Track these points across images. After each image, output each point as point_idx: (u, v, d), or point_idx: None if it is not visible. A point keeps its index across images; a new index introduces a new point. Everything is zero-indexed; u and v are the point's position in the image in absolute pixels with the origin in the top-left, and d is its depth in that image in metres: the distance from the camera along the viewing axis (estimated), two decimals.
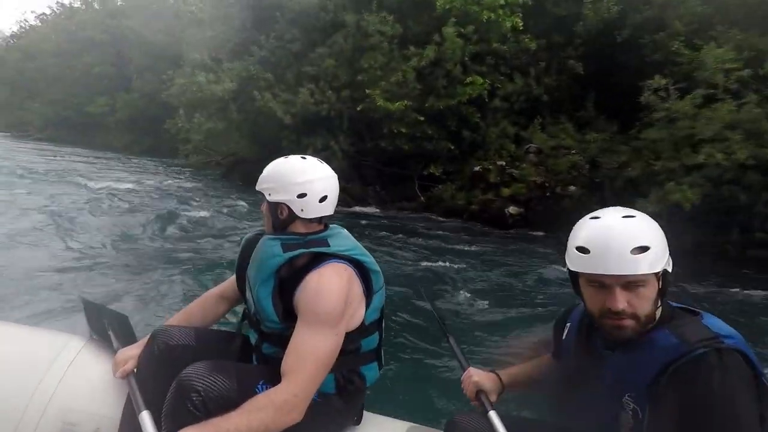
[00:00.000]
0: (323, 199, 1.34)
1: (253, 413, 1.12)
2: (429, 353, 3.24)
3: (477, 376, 1.36)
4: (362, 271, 1.33)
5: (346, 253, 1.31)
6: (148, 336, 1.43)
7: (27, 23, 55.52)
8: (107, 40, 36.31)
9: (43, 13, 55.08)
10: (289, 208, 1.33)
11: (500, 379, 1.37)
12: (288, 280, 1.29)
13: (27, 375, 1.38)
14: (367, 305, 1.34)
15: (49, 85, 43.03)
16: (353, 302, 1.29)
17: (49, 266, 4.39)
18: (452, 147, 12.01)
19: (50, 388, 1.37)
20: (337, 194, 1.39)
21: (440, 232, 9.66)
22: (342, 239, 1.37)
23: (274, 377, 1.21)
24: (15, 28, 53.30)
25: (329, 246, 1.31)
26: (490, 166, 11.26)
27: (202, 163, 18.83)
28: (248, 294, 1.39)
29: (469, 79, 11.37)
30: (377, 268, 1.37)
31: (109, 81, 35.89)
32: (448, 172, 12.04)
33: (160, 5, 31.91)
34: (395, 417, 1.49)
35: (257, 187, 1.38)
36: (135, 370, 1.37)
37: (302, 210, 1.32)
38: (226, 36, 15.44)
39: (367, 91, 11.65)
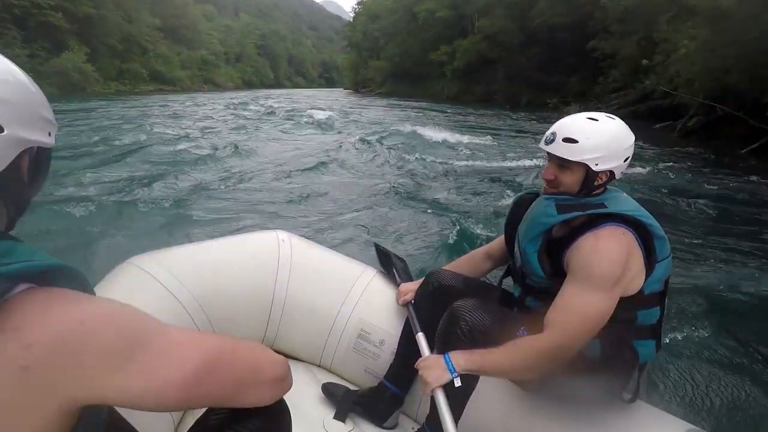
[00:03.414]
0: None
1: (516, 353, 1.17)
2: (732, 351, 2.65)
3: None
4: (645, 236, 1.21)
5: (625, 213, 1.21)
6: (424, 276, 1.60)
7: None
8: None
9: None
10: (612, 173, 1.27)
11: None
12: (559, 241, 1.26)
13: (340, 289, 1.74)
14: (648, 274, 1.22)
15: (388, 41, 45.97)
16: (631, 269, 1.19)
17: (356, 206, 5.41)
18: None
19: (352, 303, 1.71)
20: None
21: None
22: (621, 201, 1.27)
23: (534, 326, 1.22)
24: None
25: (606, 208, 1.23)
26: None
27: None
28: (516, 249, 1.40)
29: None
30: (663, 234, 1.24)
31: (449, 27, 34.08)
32: None
33: None
34: (670, 413, 1.34)
35: (572, 158, 1.23)
36: (413, 301, 1.57)
37: (623, 173, 1.30)
38: None
39: None
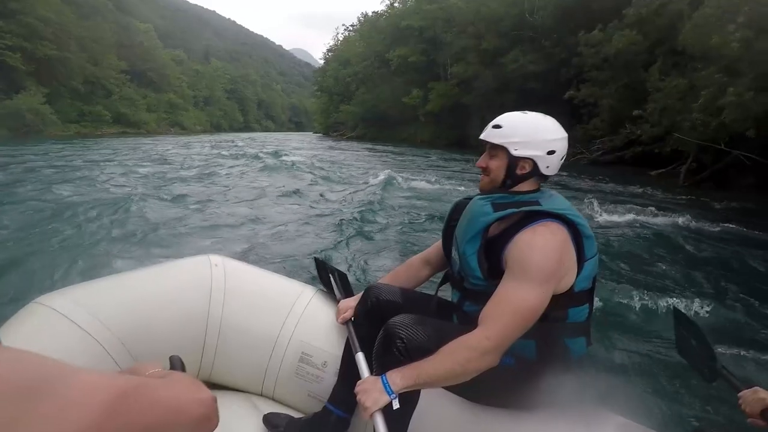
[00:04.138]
0: (562, 158, 1.32)
1: (448, 356, 1.17)
2: (658, 343, 2.81)
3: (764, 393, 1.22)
4: (575, 234, 1.25)
5: (559, 211, 1.24)
6: (362, 293, 1.58)
7: (340, 35, 62.68)
8: (425, 26, 34.92)
9: (352, 24, 61.02)
10: (534, 164, 1.29)
11: None
12: (496, 239, 1.28)
13: (279, 311, 1.65)
14: (579, 272, 1.25)
15: (359, 85, 46.55)
16: (564, 264, 1.22)
17: (296, 231, 5.46)
18: None
19: (292, 325, 1.63)
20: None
21: None
22: (554, 200, 1.31)
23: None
24: (331, 43, 60.45)
25: (540, 205, 1.26)
26: None
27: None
28: (454, 253, 1.43)
29: None
30: (591, 233, 1.28)
31: (422, 72, 34.48)
32: None
33: None
34: (611, 409, 1.38)
35: (496, 140, 1.30)
36: (353, 318, 1.53)
37: (547, 167, 1.30)
38: None
39: None
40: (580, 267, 1.24)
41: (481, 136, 1.32)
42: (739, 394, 1.22)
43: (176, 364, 0.79)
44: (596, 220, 7.13)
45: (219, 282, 1.64)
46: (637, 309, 3.42)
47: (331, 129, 53.64)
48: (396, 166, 14.66)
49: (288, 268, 3.77)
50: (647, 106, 13.23)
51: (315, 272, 1.92)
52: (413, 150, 24.80)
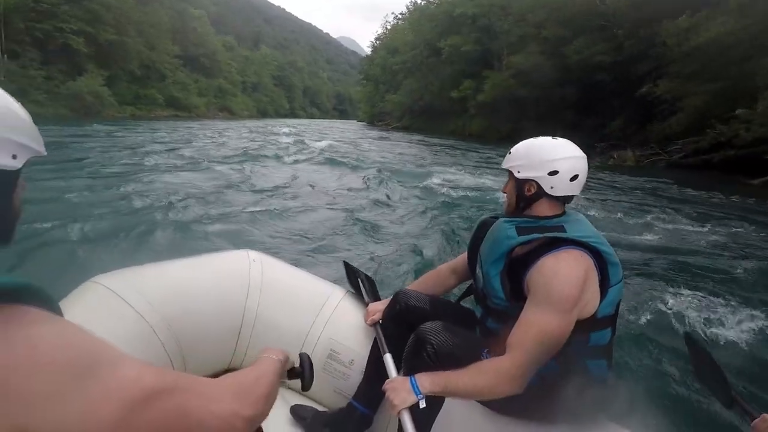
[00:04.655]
0: (574, 177, 1.30)
1: (479, 375, 1.19)
2: (678, 370, 2.73)
3: None
4: (599, 261, 1.25)
5: (583, 239, 1.25)
6: (391, 296, 1.62)
7: (388, 23, 61.52)
8: (479, 13, 33.28)
9: (401, 12, 59.67)
10: (538, 185, 1.31)
11: None
12: (519, 262, 1.29)
13: (310, 309, 1.72)
14: (602, 298, 1.26)
15: (407, 75, 45.38)
16: (588, 291, 1.23)
17: (333, 230, 5.46)
18: None
19: (322, 323, 1.69)
20: (586, 175, 1.34)
21: None
22: (580, 225, 1.31)
23: (496, 348, 1.25)
24: (379, 31, 59.37)
25: (565, 231, 1.26)
26: None
27: None
28: (478, 271, 1.44)
29: None
30: (616, 260, 1.28)
31: (474, 63, 32.91)
32: None
33: None
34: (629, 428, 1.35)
35: (504, 165, 1.37)
36: (381, 321, 1.57)
37: (552, 187, 1.30)
38: None
39: None
40: (603, 293, 1.25)
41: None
42: (752, 423, 1.12)
43: (305, 363, 0.86)
44: (681, 230, 6.11)
45: (256, 277, 1.73)
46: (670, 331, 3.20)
47: (376, 118, 52.91)
48: (444, 162, 13.85)
49: (320, 266, 3.95)
50: (758, 105, 11.39)
51: (343, 274, 1.99)
52: (462, 143, 23.75)
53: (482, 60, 32.49)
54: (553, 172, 1.27)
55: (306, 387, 0.90)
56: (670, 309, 3.46)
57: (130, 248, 4.12)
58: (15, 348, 0.44)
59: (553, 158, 1.28)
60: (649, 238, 5.89)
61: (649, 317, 3.33)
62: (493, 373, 1.18)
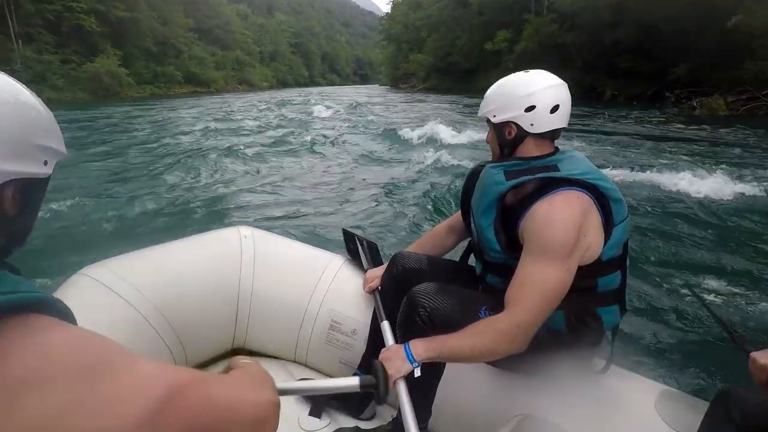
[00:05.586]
0: (554, 109, 1.18)
1: (476, 337, 1.12)
2: (685, 310, 2.70)
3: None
4: (600, 199, 1.15)
5: (579, 177, 1.14)
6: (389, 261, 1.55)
7: None
8: None
9: None
10: (517, 125, 1.21)
11: None
12: (512, 209, 1.21)
13: (308, 280, 1.68)
14: (606, 239, 1.16)
15: (432, 31, 42.39)
16: (588, 234, 1.12)
17: (327, 198, 5.34)
18: None
19: (321, 293, 1.65)
20: (570, 104, 1.21)
21: None
22: (574, 162, 1.20)
23: (497, 305, 1.18)
24: None
25: (558, 170, 1.16)
26: None
27: None
28: (472, 224, 1.36)
29: None
30: (619, 195, 1.18)
31: (508, 11, 29.80)
32: None
33: None
34: (643, 375, 1.35)
35: (480, 114, 1.28)
36: (379, 287, 1.50)
37: (532, 124, 1.19)
38: None
39: None
40: (608, 234, 1.15)
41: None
42: (751, 354, 1.02)
43: (379, 372, 0.84)
44: None
45: (249, 253, 1.69)
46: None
47: (400, 81, 50.25)
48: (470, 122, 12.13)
49: (320, 237, 3.81)
50: None
51: (343, 243, 1.86)
52: None
53: (518, 6, 29.36)
54: (530, 108, 1.18)
55: (381, 399, 0.92)
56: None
57: (122, 234, 4.05)
58: (27, 357, 0.43)
59: (526, 93, 1.18)
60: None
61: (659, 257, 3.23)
62: (491, 334, 1.10)
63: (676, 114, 12.87)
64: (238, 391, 0.55)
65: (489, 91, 1.25)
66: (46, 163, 0.56)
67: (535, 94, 1.16)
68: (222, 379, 0.56)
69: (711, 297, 2.82)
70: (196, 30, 50.80)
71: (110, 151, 8.70)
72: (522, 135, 1.19)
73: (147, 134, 11.30)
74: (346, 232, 1.87)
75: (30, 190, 0.56)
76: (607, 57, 22.67)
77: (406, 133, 9.87)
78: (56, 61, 32.10)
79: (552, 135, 1.21)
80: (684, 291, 2.91)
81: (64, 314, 0.50)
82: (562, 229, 1.08)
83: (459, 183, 5.56)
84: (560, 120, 1.19)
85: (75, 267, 1.51)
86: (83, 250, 3.35)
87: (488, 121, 1.25)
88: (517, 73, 1.23)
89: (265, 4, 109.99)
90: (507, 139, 1.22)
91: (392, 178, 6.22)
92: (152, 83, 40.55)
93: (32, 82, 28.25)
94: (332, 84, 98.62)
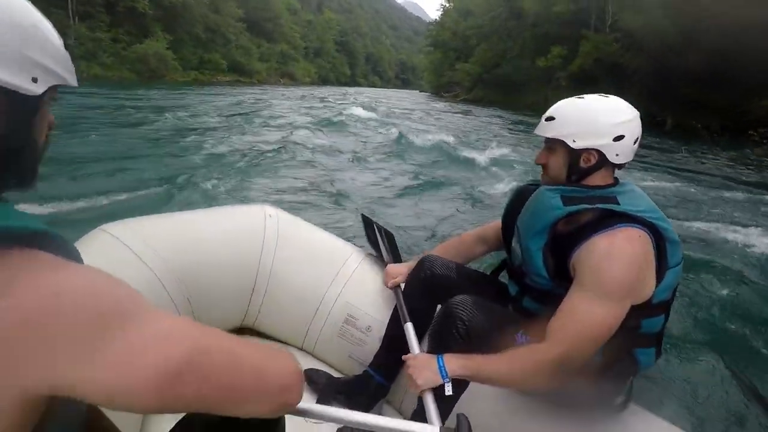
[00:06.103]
0: (636, 141, 1.15)
1: (514, 364, 1.08)
2: (728, 359, 2.52)
3: None
4: (657, 239, 1.09)
5: (639, 214, 1.08)
6: (414, 258, 1.54)
7: None
8: None
9: None
10: (600, 153, 1.13)
11: None
12: (565, 237, 1.13)
13: (328, 269, 1.64)
14: (659, 281, 1.09)
15: (481, 40, 41.21)
16: (646, 276, 1.07)
17: (362, 194, 5.37)
18: None
19: (340, 285, 1.62)
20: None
21: None
22: (635, 197, 1.14)
23: (533, 331, 1.13)
24: None
25: (618, 203, 1.10)
26: None
27: None
28: (515, 244, 1.30)
29: None
30: (676, 238, 1.11)
31: (565, 26, 28.25)
32: None
33: None
34: (662, 417, 1.28)
35: (550, 135, 1.16)
36: (402, 287, 1.47)
37: (617, 155, 1.13)
38: None
39: None
40: (660, 276, 1.09)
41: (535, 131, 1.21)
42: None
43: (464, 426, 0.77)
44: None
45: (272, 232, 1.67)
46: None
47: (442, 89, 49.08)
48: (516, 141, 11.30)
49: (341, 226, 3.79)
50: None
51: (363, 234, 1.84)
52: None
53: (576, 22, 27.85)
54: (619, 137, 1.12)
55: None
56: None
57: (143, 201, 4.15)
58: (33, 297, 0.40)
59: (618, 121, 1.12)
60: None
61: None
62: (530, 363, 1.05)
63: (761, 155, 11.35)
64: (265, 356, 0.52)
65: (563, 112, 1.15)
66: (35, 80, 0.51)
67: (625, 124, 1.12)
68: (248, 343, 0.52)
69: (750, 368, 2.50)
70: (245, 20, 51.23)
71: (152, 129, 9.01)
72: (601, 164, 1.14)
73: (188, 116, 11.53)
74: (365, 218, 1.88)
75: (18, 107, 0.51)
76: (672, 84, 20.98)
77: (456, 146, 9.20)
78: (107, 40, 32.72)
79: (620, 167, 1.17)
80: (724, 357, 2.58)
81: (67, 251, 0.47)
82: (622, 269, 1.02)
83: (488, 200, 5.36)
84: (634, 152, 1.16)
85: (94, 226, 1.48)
86: (108, 218, 3.35)
87: (558, 143, 1.15)
88: (595, 97, 1.15)
89: (316, 1, 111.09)
90: (582, 166, 1.14)
91: (431, 186, 6.09)
92: (198, 69, 40.98)
93: (83, 58, 28.91)
94: (373, 86, 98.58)
